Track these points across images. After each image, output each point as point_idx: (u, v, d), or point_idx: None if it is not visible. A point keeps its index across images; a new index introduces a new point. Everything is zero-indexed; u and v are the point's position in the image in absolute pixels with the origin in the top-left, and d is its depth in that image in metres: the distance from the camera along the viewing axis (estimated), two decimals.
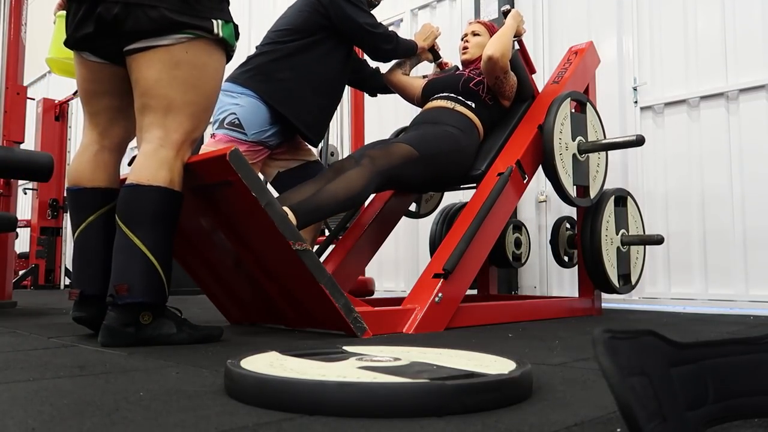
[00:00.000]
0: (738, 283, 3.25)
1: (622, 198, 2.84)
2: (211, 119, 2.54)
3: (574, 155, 2.63)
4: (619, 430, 0.79)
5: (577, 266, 2.97)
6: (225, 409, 0.89)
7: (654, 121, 3.63)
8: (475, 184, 2.56)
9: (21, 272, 6.45)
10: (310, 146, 2.68)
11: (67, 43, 1.80)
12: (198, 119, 1.73)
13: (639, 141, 2.53)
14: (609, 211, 2.74)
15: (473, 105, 2.61)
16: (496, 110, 2.69)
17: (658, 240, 2.72)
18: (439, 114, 2.56)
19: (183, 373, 1.20)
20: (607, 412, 0.88)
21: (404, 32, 5.05)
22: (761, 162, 3.21)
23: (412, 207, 3.25)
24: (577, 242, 2.83)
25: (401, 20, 5.08)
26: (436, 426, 0.79)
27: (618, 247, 2.77)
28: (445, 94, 2.67)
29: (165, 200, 1.65)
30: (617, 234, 2.77)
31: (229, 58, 1.81)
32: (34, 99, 5.33)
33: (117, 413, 0.86)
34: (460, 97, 2.63)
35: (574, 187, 2.63)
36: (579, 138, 2.66)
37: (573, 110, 2.68)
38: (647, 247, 3.08)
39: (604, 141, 2.70)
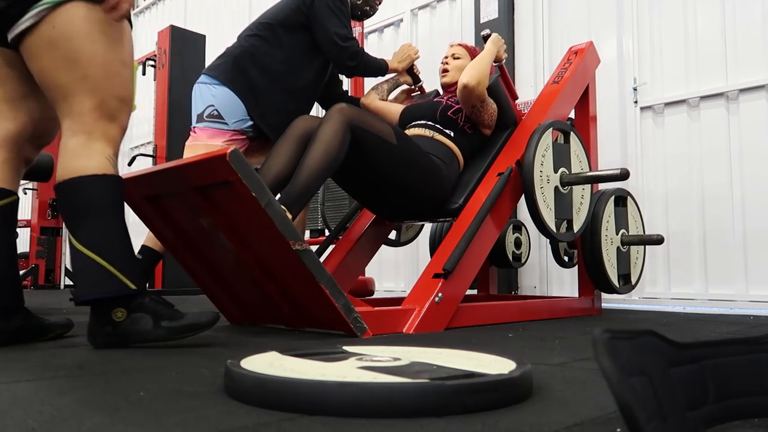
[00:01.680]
0: (738, 283, 3.25)
1: (622, 198, 2.84)
2: (191, 112, 2.53)
3: (556, 188, 2.49)
4: (619, 430, 0.79)
5: (577, 266, 2.97)
6: (225, 409, 0.89)
7: (654, 121, 3.63)
8: (452, 218, 2.47)
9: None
10: None
11: None
12: (102, 91, 1.55)
13: (623, 175, 2.39)
14: (609, 211, 2.74)
15: (452, 134, 2.51)
16: (476, 138, 2.60)
17: (658, 240, 2.72)
18: (420, 142, 2.44)
19: (183, 373, 1.20)
20: (607, 412, 0.88)
21: (404, 32, 5.05)
22: (761, 162, 3.22)
23: (392, 235, 3.23)
24: (577, 242, 2.83)
25: (401, 20, 5.08)
26: (436, 426, 0.79)
27: (618, 247, 2.77)
28: (423, 122, 2.57)
29: (85, 190, 1.52)
30: (617, 234, 2.77)
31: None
32: None
33: (117, 413, 0.85)
34: (438, 126, 2.53)
35: (556, 221, 2.48)
36: (562, 169, 2.53)
37: (556, 140, 2.57)
38: (647, 247, 3.08)
39: (587, 173, 2.53)
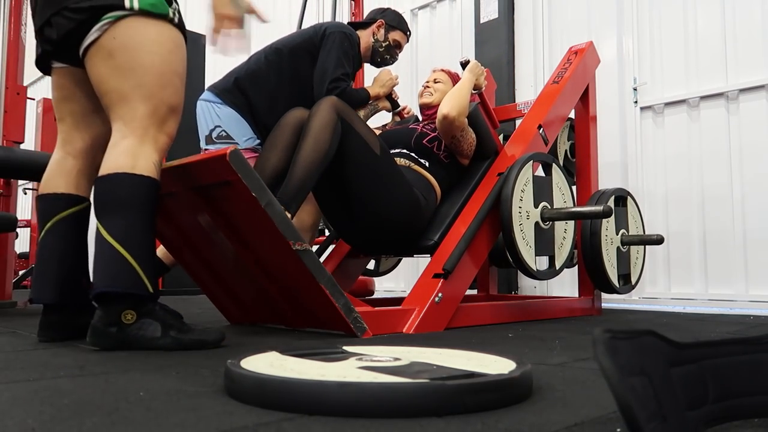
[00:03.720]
0: (738, 283, 3.25)
1: (622, 198, 2.84)
2: (199, 131, 2.58)
3: (536, 223, 2.37)
4: (619, 430, 0.79)
5: (577, 266, 2.98)
6: (225, 409, 0.89)
7: (654, 121, 3.63)
8: (428, 255, 2.35)
9: (21, 272, 6.44)
10: None
11: (38, 65, 1.83)
12: (155, 99, 1.63)
13: (606, 213, 2.26)
14: None
15: (427, 164, 2.42)
16: (454, 169, 2.50)
17: (658, 240, 2.72)
18: None
19: (183, 373, 1.20)
20: (607, 412, 0.88)
21: None
22: (761, 162, 3.22)
23: (371, 265, 3.22)
24: (577, 242, 2.83)
25: None
26: (436, 426, 0.79)
27: (618, 247, 2.77)
28: (397, 150, 2.47)
29: (127, 185, 1.56)
30: (617, 234, 2.77)
31: (177, 25, 1.70)
32: (34, 99, 5.32)
33: (117, 413, 0.85)
34: (413, 154, 2.43)
35: (537, 258, 2.37)
36: (543, 204, 2.40)
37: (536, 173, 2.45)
38: (647, 247, 3.08)
39: (570, 210, 2.39)
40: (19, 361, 1.37)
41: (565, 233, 2.51)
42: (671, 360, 0.67)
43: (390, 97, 2.83)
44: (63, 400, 0.94)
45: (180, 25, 1.73)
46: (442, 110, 2.35)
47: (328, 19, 5.03)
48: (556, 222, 2.44)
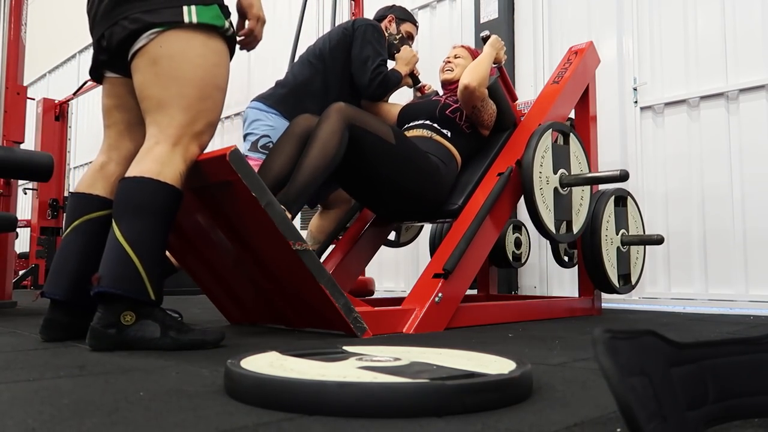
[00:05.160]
0: (738, 283, 3.25)
1: (622, 198, 2.84)
2: (244, 138, 2.63)
3: (555, 189, 2.48)
4: (619, 430, 0.79)
5: (577, 266, 2.97)
6: (225, 409, 0.89)
7: (654, 121, 3.63)
8: (451, 219, 2.46)
9: (21, 272, 6.44)
10: None
11: (92, 74, 1.89)
12: (194, 110, 1.65)
13: (623, 177, 2.39)
14: (609, 211, 2.74)
15: (449, 134, 2.52)
16: (475, 139, 2.60)
17: (658, 240, 2.72)
18: (418, 143, 2.46)
19: (183, 373, 1.20)
20: (607, 412, 0.88)
21: None
22: (761, 162, 3.21)
23: (392, 236, 3.23)
24: (577, 242, 2.83)
25: None
26: (436, 426, 0.79)
27: (618, 247, 2.77)
28: (420, 122, 2.58)
29: (149, 191, 1.57)
30: (617, 234, 2.77)
31: (228, 39, 1.74)
32: (34, 99, 5.33)
33: (117, 413, 0.85)
34: (435, 125, 2.54)
35: (555, 222, 2.47)
36: (561, 171, 2.52)
37: (556, 141, 2.57)
38: (647, 247, 3.08)
39: (587, 175, 2.53)
40: (19, 361, 1.37)
41: (581, 200, 2.63)
42: (671, 360, 0.67)
43: (412, 74, 2.92)
44: (63, 400, 0.94)
45: (231, 37, 1.76)
46: (463, 81, 2.45)
47: (328, 19, 5.05)
48: (573, 189, 2.58)
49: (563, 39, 4.03)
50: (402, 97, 3.32)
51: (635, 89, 3.67)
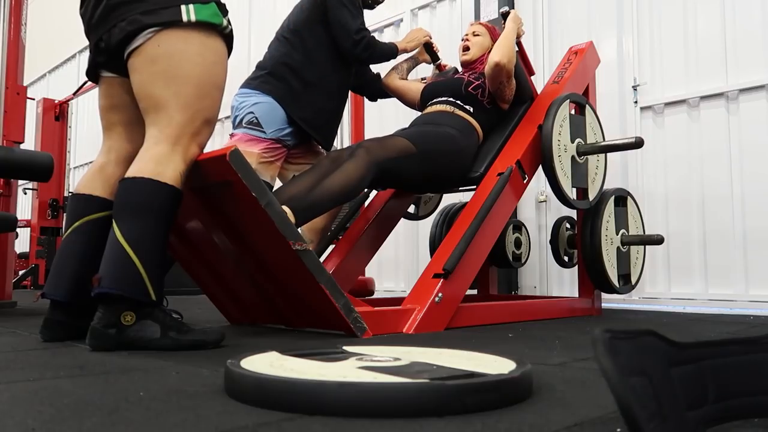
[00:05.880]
0: (738, 283, 3.25)
1: (622, 198, 2.84)
2: (231, 120, 2.59)
3: (572, 157, 2.62)
4: (619, 430, 0.79)
5: (577, 266, 2.97)
6: (225, 409, 0.89)
7: (654, 121, 3.63)
8: (474, 186, 2.56)
9: (21, 272, 6.44)
10: (323, 150, 2.69)
11: (88, 74, 1.88)
12: (192, 109, 1.65)
13: (638, 143, 2.54)
14: (609, 211, 2.74)
15: (471, 109, 2.61)
16: (495, 113, 2.69)
17: (658, 240, 2.72)
18: (438, 117, 2.56)
19: (183, 373, 1.20)
20: (607, 412, 0.88)
21: (404, 32, 5.04)
22: (761, 162, 3.21)
23: (411, 209, 3.25)
24: (577, 242, 2.83)
25: (401, 20, 5.08)
26: (436, 426, 0.79)
27: (618, 247, 2.77)
28: (443, 98, 2.67)
29: (149, 191, 1.57)
30: (617, 234, 2.77)
31: (226, 37, 1.73)
32: (34, 99, 5.33)
33: (117, 413, 0.85)
34: (458, 101, 2.62)
35: (573, 189, 2.61)
36: (578, 140, 2.65)
37: (572, 112, 2.67)
38: (647, 247, 3.08)
39: (603, 143, 2.70)
40: (19, 361, 1.37)
41: (597, 169, 2.76)
42: (671, 360, 0.67)
43: (430, 49, 2.93)
44: (63, 400, 0.94)
45: (229, 35, 1.75)
46: (494, 58, 2.51)
47: None
48: (589, 158, 2.70)
49: (563, 39, 4.03)
50: (417, 74, 3.28)
51: (635, 89, 3.67)
